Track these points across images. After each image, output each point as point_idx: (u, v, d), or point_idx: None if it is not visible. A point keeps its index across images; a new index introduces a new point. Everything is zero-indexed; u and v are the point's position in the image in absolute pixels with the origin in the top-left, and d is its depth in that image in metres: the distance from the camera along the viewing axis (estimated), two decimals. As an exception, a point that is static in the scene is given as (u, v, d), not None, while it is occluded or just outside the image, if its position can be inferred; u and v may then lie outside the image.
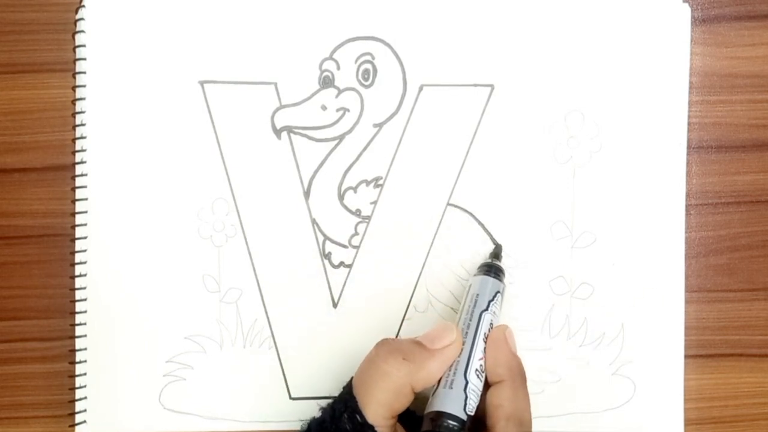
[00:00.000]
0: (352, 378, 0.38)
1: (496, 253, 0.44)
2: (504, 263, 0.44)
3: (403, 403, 0.37)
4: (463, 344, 0.39)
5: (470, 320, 0.40)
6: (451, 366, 0.38)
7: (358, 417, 0.36)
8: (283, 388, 0.45)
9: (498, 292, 0.41)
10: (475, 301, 0.40)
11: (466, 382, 0.38)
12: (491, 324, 0.40)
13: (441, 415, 0.37)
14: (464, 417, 0.37)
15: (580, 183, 0.45)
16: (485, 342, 0.39)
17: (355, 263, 0.45)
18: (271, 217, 0.45)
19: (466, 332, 0.39)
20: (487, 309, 0.40)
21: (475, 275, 0.42)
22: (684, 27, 0.45)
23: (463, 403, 0.37)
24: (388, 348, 0.38)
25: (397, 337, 0.45)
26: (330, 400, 0.38)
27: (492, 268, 0.42)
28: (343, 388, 0.38)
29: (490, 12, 0.45)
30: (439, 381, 0.38)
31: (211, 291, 0.45)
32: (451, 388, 0.37)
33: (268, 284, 0.45)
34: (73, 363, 0.45)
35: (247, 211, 0.45)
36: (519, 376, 0.39)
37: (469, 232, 0.45)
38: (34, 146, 0.46)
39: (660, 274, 0.45)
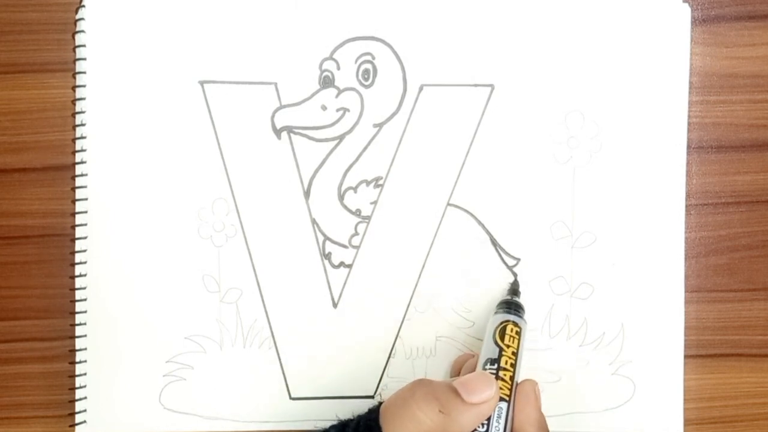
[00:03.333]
0: (380, 403, 0.37)
1: (515, 289, 0.44)
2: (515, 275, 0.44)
3: None
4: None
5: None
6: (492, 416, 0.37)
7: None
8: (283, 388, 0.45)
9: (506, 323, 0.40)
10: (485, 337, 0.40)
11: None
12: (495, 354, 0.39)
13: None
14: None
15: (580, 183, 0.45)
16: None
17: (355, 263, 0.45)
18: (271, 217, 0.45)
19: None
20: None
21: (495, 313, 0.42)
22: (684, 27, 0.45)
23: None
24: (424, 392, 0.36)
25: (397, 337, 0.45)
26: (352, 418, 0.38)
27: (512, 306, 0.42)
28: (370, 410, 0.38)
29: (490, 12, 0.45)
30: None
31: (211, 291, 0.45)
32: None
33: (268, 284, 0.45)
34: (73, 363, 0.45)
35: (247, 211, 0.45)
36: None
37: (469, 232, 0.45)
38: (34, 146, 0.46)
39: (660, 274, 0.45)
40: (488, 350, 0.39)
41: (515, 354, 0.39)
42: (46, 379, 0.46)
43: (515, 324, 0.40)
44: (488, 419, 0.37)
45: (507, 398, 0.38)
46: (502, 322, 0.40)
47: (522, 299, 0.45)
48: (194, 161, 0.45)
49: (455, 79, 0.45)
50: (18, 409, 0.46)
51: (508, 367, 0.39)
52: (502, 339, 0.40)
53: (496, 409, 0.37)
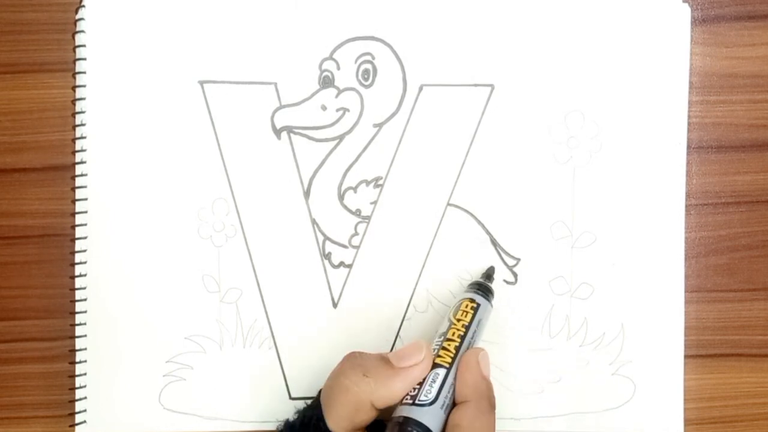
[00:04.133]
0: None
1: (489, 274, 0.44)
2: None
3: (363, 418, 0.37)
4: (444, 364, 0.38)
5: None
6: (426, 381, 0.37)
7: (322, 425, 0.36)
8: (283, 388, 0.45)
9: (464, 300, 0.41)
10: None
11: (436, 399, 0.37)
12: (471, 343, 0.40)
13: (408, 421, 0.36)
14: (432, 428, 0.36)
15: (580, 183, 0.45)
16: None
17: (355, 263, 0.45)
18: (271, 217, 0.45)
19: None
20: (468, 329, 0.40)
21: (465, 292, 0.42)
22: (684, 27, 0.45)
23: (431, 417, 0.36)
24: (351, 363, 0.37)
25: (397, 337, 0.45)
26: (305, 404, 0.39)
27: (480, 288, 0.42)
28: (318, 393, 0.38)
29: (490, 12, 0.45)
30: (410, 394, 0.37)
31: (211, 291, 0.45)
32: (420, 401, 0.36)
33: (268, 284, 0.45)
34: (73, 363, 0.45)
35: (247, 211, 0.45)
36: (485, 399, 0.37)
37: (469, 232, 0.45)
38: (34, 146, 0.46)
39: (660, 274, 0.45)
40: (442, 326, 0.40)
41: (466, 327, 0.40)
42: (46, 379, 0.46)
43: (471, 300, 0.41)
44: (420, 384, 0.37)
45: (447, 365, 0.38)
46: (460, 300, 0.41)
47: (519, 297, 0.45)
48: (194, 161, 0.45)
49: (455, 79, 0.45)
50: (18, 409, 0.46)
51: (454, 338, 0.39)
52: (455, 315, 0.40)
53: (432, 374, 0.37)
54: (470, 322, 0.40)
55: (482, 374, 0.38)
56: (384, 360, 0.37)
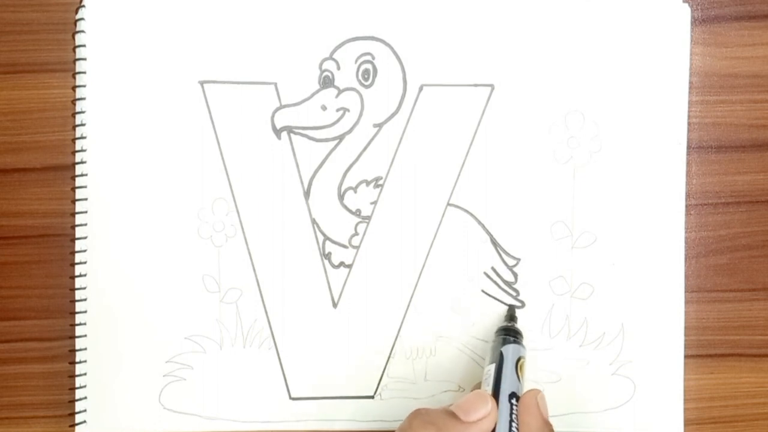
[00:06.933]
0: None
1: (512, 315, 0.44)
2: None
3: None
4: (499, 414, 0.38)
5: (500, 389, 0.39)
6: None
7: None
8: (283, 388, 0.45)
9: (521, 357, 0.41)
10: (503, 369, 0.40)
11: None
12: (519, 390, 0.40)
13: None
14: None
15: (580, 183, 0.45)
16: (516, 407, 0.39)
17: (355, 263, 0.45)
18: (271, 217, 0.45)
19: (499, 401, 0.39)
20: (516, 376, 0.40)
21: (494, 339, 0.42)
22: (684, 27, 0.45)
23: None
24: (420, 420, 0.37)
25: (397, 336, 0.45)
26: None
27: (511, 332, 0.42)
28: None
29: (490, 12, 0.45)
30: None
31: (211, 291, 0.45)
32: None
33: (268, 284, 0.45)
34: (73, 363, 0.45)
35: (247, 211, 0.45)
36: None
37: (469, 232, 0.45)
38: (34, 146, 0.46)
39: (660, 274, 0.45)
40: (511, 383, 0.39)
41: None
42: (46, 379, 0.46)
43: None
44: None
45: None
46: (520, 358, 0.41)
47: (522, 299, 0.45)
48: (194, 161, 0.45)
49: (455, 79, 0.45)
50: (18, 409, 0.46)
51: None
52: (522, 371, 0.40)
53: (496, 425, 0.37)
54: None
55: (544, 418, 0.38)
56: (451, 415, 0.37)
